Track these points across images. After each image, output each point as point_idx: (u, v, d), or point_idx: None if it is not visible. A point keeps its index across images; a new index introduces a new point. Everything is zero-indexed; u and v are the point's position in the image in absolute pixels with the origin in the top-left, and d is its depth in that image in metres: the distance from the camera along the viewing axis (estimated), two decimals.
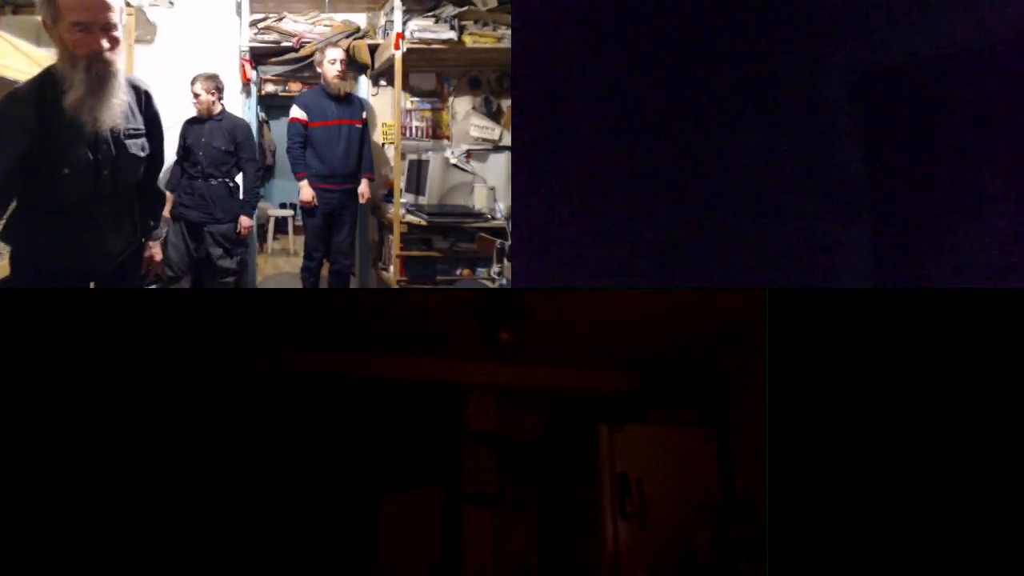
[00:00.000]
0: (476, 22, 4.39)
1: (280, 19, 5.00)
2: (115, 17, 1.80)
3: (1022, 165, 1.52)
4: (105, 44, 1.79)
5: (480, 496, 2.14)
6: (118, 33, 1.82)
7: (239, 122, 4.14)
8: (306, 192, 4.25)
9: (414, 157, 4.67)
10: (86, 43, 1.77)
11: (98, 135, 1.88)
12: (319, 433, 2.31)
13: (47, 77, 1.90)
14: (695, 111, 1.56)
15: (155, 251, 2.21)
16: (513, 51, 1.60)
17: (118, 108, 1.88)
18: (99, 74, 1.81)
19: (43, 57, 2.80)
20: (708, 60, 1.55)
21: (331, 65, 4.32)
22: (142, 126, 2.01)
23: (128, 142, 1.96)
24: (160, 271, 2.31)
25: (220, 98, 4.05)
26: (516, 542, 2.19)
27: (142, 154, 2.01)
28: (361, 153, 4.42)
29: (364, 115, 4.51)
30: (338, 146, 4.31)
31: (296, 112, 4.33)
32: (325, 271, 4.59)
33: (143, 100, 2.03)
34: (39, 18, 1.84)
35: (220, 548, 1.30)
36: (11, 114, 1.84)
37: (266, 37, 4.97)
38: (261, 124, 6.65)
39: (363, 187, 4.36)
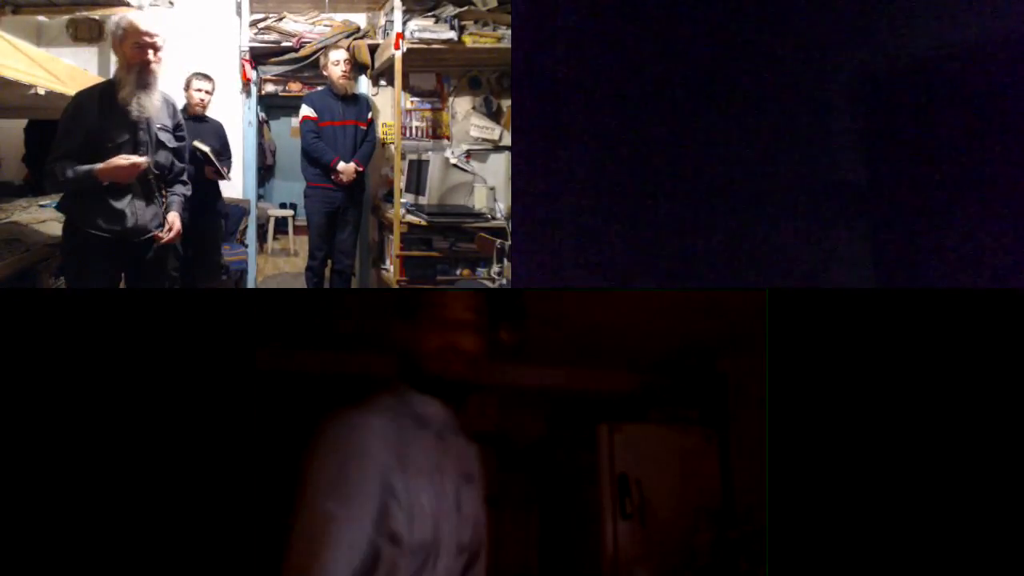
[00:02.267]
0: (476, 22, 4.40)
1: (280, 19, 5.00)
2: (160, 42, 2.55)
3: (1022, 165, 1.52)
4: (151, 57, 2.53)
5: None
6: (161, 54, 2.57)
7: (218, 122, 4.17)
8: (347, 168, 4.24)
9: (414, 157, 4.67)
10: (139, 56, 2.51)
11: (139, 122, 2.55)
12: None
13: (109, 81, 2.64)
14: (695, 111, 1.56)
15: (174, 219, 2.70)
16: (513, 51, 1.60)
17: (156, 104, 2.58)
18: (144, 77, 2.54)
19: (42, 57, 2.80)
20: (709, 60, 1.55)
21: (335, 66, 4.35)
22: (171, 126, 2.69)
23: (159, 132, 2.62)
24: (177, 239, 2.73)
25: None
26: (516, 542, 2.19)
27: (170, 145, 2.67)
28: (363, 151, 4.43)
29: (370, 115, 4.53)
30: (344, 146, 4.32)
31: (306, 111, 4.36)
32: (327, 271, 4.60)
33: (172, 109, 2.74)
34: (107, 39, 2.70)
35: (220, 548, 1.30)
36: (80, 105, 2.56)
37: (266, 37, 4.98)
38: (261, 124, 6.66)
39: (347, 167, 4.29)
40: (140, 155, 2.55)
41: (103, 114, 2.53)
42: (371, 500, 1.21)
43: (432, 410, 1.34)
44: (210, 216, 4.02)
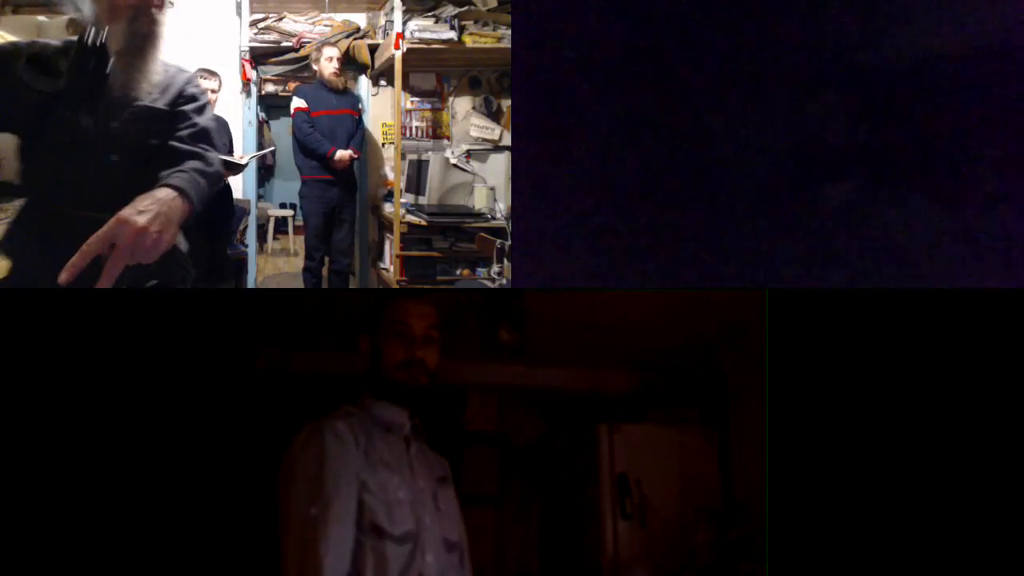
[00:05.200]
0: (476, 22, 4.41)
1: (280, 19, 5.00)
2: None
3: (1022, 165, 1.52)
4: None
5: (480, 496, 2.13)
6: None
7: (224, 120, 4.18)
8: (342, 154, 4.26)
9: (414, 157, 4.68)
10: None
11: (115, 105, 1.57)
12: None
13: (36, 43, 1.60)
14: (695, 111, 1.56)
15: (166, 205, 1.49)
16: (513, 51, 1.59)
17: (151, 82, 1.59)
18: (141, 32, 1.53)
19: None
20: (709, 60, 1.55)
21: (328, 63, 4.38)
22: (167, 110, 1.67)
23: (144, 125, 1.62)
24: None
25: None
26: (516, 542, 2.19)
27: (156, 143, 1.64)
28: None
29: (360, 106, 4.58)
30: (341, 135, 4.36)
31: (297, 102, 4.40)
32: (325, 271, 4.61)
33: (183, 89, 1.69)
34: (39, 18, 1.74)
35: (220, 548, 1.30)
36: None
37: (266, 37, 4.99)
38: (261, 124, 6.66)
39: (344, 153, 4.31)
40: (112, 164, 1.57)
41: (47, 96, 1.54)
42: (349, 499, 1.26)
43: (398, 418, 1.38)
44: (225, 212, 4.04)
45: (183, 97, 1.69)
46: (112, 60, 1.53)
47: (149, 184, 1.56)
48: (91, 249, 1.38)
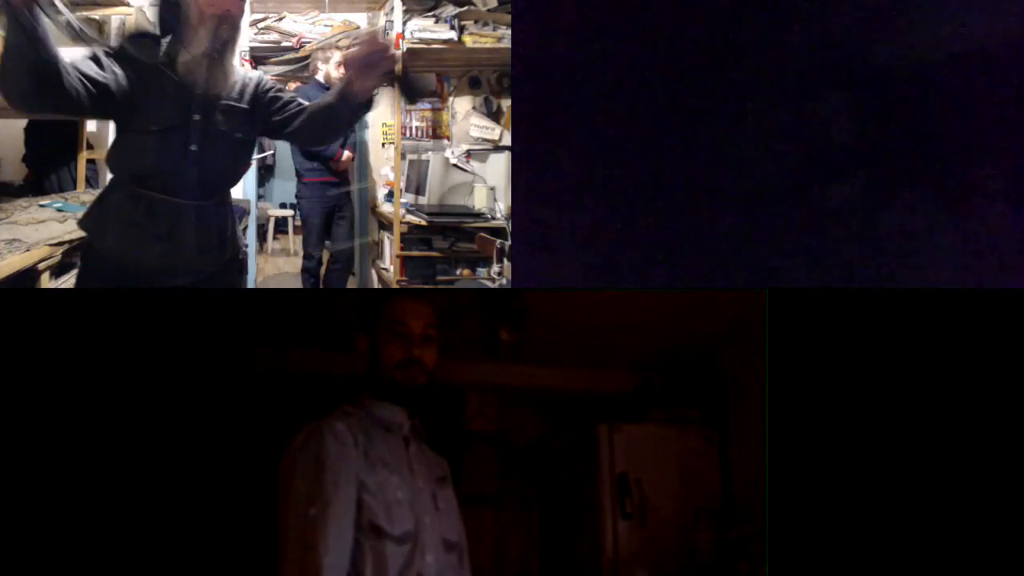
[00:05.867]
0: (476, 22, 4.40)
1: (280, 19, 5.00)
2: None
3: (1021, 165, 1.52)
4: (234, 9, 1.84)
5: (480, 496, 2.13)
6: (244, 5, 1.89)
7: None
8: (347, 156, 4.32)
9: (414, 157, 4.68)
10: (220, 3, 1.82)
11: (197, 100, 1.82)
12: None
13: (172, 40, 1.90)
14: (695, 111, 1.56)
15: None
16: (513, 51, 1.59)
17: (229, 81, 1.87)
18: (222, 36, 1.83)
19: None
20: (709, 60, 1.55)
21: (336, 68, 4.39)
22: (248, 108, 1.93)
23: (222, 118, 1.87)
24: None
25: None
26: (516, 542, 2.19)
27: (239, 136, 1.91)
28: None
29: None
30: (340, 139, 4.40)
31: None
32: (324, 271, 4.62)
33: (259, 84, 1.96)
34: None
35: (219, 549, 1.30)
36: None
37: (266, 37, 4.99)
38: None
39: (347, 155, 4.39)
40: (191, 154, 1.83)
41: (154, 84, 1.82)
42: (348, 499, 1.26)
43: (397, 418, 1.37)
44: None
45: (263, 90, 1.96)
46: (197, 60, 1.82)
47: (224, 172, 1.92)
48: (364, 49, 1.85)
